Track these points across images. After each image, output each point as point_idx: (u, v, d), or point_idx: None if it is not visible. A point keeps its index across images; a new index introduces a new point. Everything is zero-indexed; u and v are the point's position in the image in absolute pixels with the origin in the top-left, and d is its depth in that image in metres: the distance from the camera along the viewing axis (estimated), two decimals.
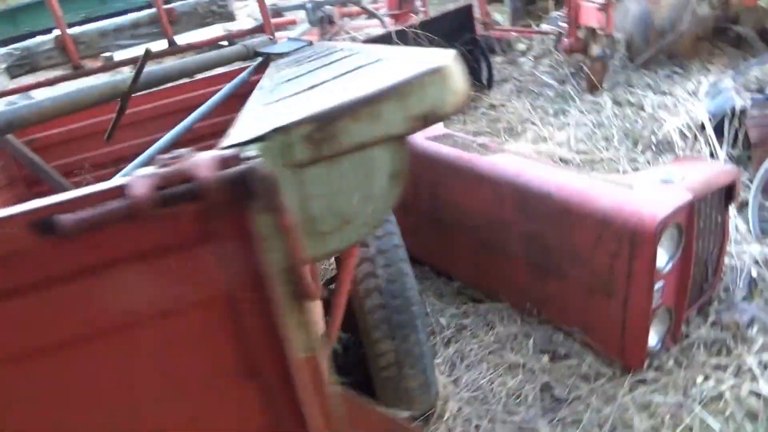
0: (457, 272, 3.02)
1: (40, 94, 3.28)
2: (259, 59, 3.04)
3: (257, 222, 0.61)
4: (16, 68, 3.42)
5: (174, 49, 3.38)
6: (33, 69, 3.45)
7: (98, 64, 3.76)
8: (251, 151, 0.63)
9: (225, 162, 0.59)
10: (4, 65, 3.45)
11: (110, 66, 3.73)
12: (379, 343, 1.91)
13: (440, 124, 3.25)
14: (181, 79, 2.86)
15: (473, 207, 2.73)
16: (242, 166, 0.57)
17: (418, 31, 5.25)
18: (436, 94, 0.67)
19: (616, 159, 4.11)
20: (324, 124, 0.65)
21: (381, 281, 1.90)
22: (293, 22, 7.56)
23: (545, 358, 2.46)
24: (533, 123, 4.92)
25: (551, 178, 2.39)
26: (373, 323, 1.90)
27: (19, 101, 3.72)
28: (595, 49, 5.41)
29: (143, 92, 2.83)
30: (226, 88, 2.36)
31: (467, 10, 5.63)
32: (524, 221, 2.48)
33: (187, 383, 0.70)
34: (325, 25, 6.87)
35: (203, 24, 3.51)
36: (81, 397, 0.70)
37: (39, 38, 3.41)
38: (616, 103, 5.08)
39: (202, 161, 0.58)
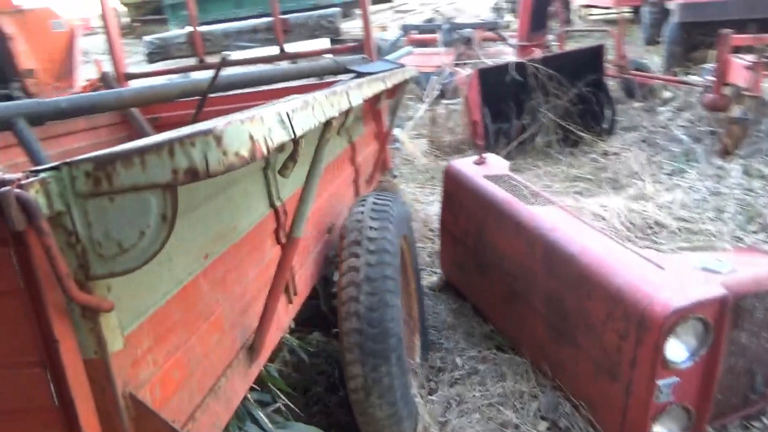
0: (489, 315, 2.97)
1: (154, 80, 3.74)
2: (349, 75, 3.23)
3: (33, 236, 0.74)
4: (154, 55, 3.94)
5: (283, 56, 3.69)
6: (167, 57, 3.96)
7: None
8: (42, 176, 0.76)
9: (3, 182, 0.73)
10: (146, 51, 3.99)
11: (225, 63, 4.12)
12: (350, 365, 1.97)
13: (506, 164, 3.20)
14: (270, 84, 3.11)
15: (509, 253, 2.67)
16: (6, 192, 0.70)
17: (539, 66, 5.14)
18: (202, 154, 0.75)
19: (718, 234, 3.73)
20: (101, 164, 0.77)
21: (362, 307, 1.96)
22: (433, 41, 7.73)
23: (543, 426, 2.34)
24: (641, 178, 4.59)
25: (580, 239, 2.27)
26: (347, 345, 1.96)
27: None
28: (737, 110, 4.91)
29: (233, 92, 3.14)
30: None
31: (597, 50, 5.39)
32: (548, 278, 2.39)
33: None
34: (459, 47, 6.96)
35: (312, 36, 3.78)
36: None
37: (175, 32, 3.90)
38: (746, 173, 4.57)
39: None
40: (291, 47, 3.74)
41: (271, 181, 1.70)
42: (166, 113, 3.65)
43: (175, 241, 1.15)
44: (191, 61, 3.88)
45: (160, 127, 3.52)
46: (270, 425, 1.65)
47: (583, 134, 5.33)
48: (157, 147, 0.74)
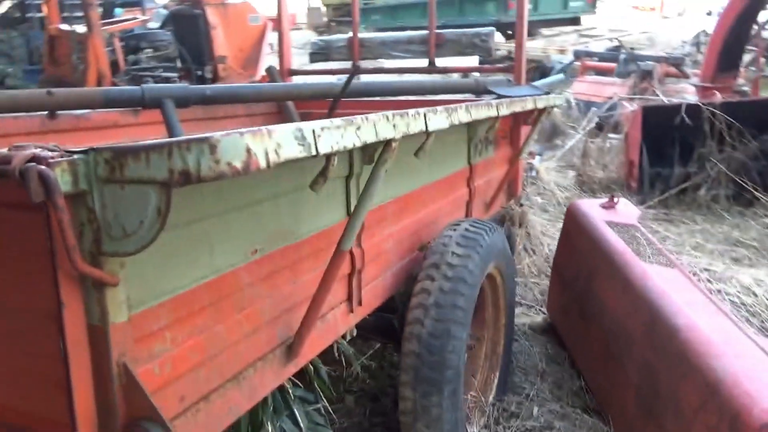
0: (583, 370, 2.74)
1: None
2: (489, 96, 3.18)
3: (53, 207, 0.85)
4: (316, 55, 4.22)
5: (430, 68, 3.74)
6: (327, 59, 4.22)
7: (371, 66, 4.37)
8: (74, 157, 0.87)
9: (36, 159, 0.84)
10: (309, 51, 4.30)
11: (358, 71, 4.27)
12: (403, 386, 1.95)
13: (637, 213, 2.93)
14: (403, 95, 3.17)
15: (612, 309, 2.44)
16: (27, 165, 0.82)
17: (717, 111, 4.60)
18: (195, 160, 0.80)
19: None
20: (116, 155, 0.85)
21: (425, 332, 1.93)
22: (610, 70, 7.27)
23: None
24: None
25: (690, 311, 2.01)
26: (404, 366, 1.95)
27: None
28: None
29: (372, 98, 3.25)
30: None
31: None
32: (647, 347, 2.15)
33: None
34: (636, 79, 6.48)
35: (463, 53, 3.77)
36: None
37: (338, 36, 4.14)
38: None
39: (21, 154, 0.84)
40: (442, 61, 3.78)
41: (352, 191, 1.75)
42: (317, 110, 3.90)
43: (220, 233, 1.24)
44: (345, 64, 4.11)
45: None
46: (305, 422, 1.69)
47: (759, 195, 4.68)
48: (159, 147, 0.81)
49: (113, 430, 0.97)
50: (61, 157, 0.86)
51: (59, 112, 2.28)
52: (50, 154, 0.86)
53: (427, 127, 1.45)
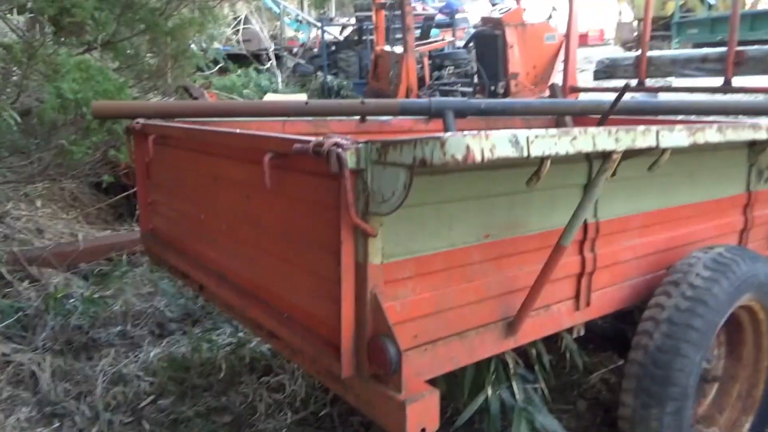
0: None
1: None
2: None
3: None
4: (600, 73, 4.29)
5: (727, 88, 3.50)
6: (610, 76, 4.25)
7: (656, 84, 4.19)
8: (359, 146, 1.30)
9: (337, 144, 1.29)
10: (594, 68, 4.38)
11: (663, 89, 4.12)
12: (625, 392, 2.01)
13: None
14: (677, 114, 3.06)
15: None
16: (331, 148, 1.26)
17: None
18: (430, 151, 1.13)
19: None
20: (384, 146, 1.24)
21: (652, 344, 1.96)
22: None
23: None
24: None
25: None
26: (627, 372, 2.01)
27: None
28: None
29: (645, 116, 3.20)
30: None
31: None
32: None
33: (292, 236, 1.47)
34: None
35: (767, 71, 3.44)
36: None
37: (625, 54, 4.13)
38: None
39: (329, 141, 1.30)
40: (741, 81, 3.50)
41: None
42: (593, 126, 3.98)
43: (459, 215, 1.58)
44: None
45: None
46: (521, 395, 1.92)
47: None
48: (409, 142, 1.18)
49: (363, 337, 1.39)
50: (352, 145, 1.30)
51: (368, 117, 2.93)
52: (346, 143, 1.30)
53: (658, 143, 1.54)
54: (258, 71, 12.61)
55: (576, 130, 1.33)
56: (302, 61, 13.84)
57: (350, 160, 1.28)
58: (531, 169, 1.58)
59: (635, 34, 18.08)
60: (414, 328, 1.54)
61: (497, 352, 1.80)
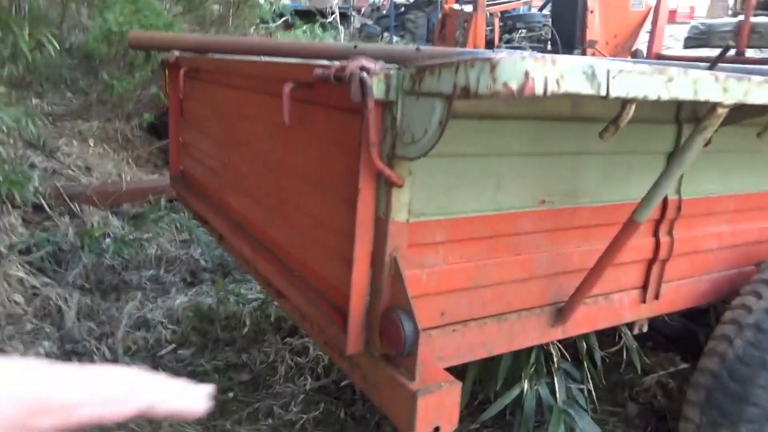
0: None
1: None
2: None
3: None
4: (692, 40, 3.81)
5: None
6: (704, 45, 3.76)
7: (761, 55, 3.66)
8: (390, 71, 1.03)
9: (363, 68, 1.02)
10: (685, 35, 3.89)
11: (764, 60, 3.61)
12: (689, 406, 1.70)
13: None
14: None
15: None
16: (354, 71, 1.00)
17: None
18: (476, 76, 0.85)
19: None
20: (419, 70, 0.96)
21: (731, 352, 1.63)
22: None
23: None
24: None
25: None
26: (695, 383, 1.69)
27: None
28: None
29: None
30: None
31: None
32: None
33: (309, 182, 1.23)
34: None
35: None
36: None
37: (725, 19, 3.62)
38: None
39: (354, 63, 1.03)
40: None
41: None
42: None
43: (511, 173, 1.30)
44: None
45: None
46: (562, 395, 1.65)
47: None
48: (449, 64, 0.90)
49: (377, 308, 1.14)
50: (381, 70, 1.03)
51: None
52: (373, 66, 1.03)
53: None
54: (323, 28, 12.38)
55: (673, 70, 1.01)
56: (369, 22, 13.48)
57: (377, 87, 1.01)
58: (601, 124, 1.29)
59: (729, 12, 16.66)
60: (442, 303, 1.28)
61: (541, 342, 1.52)
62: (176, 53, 2.28)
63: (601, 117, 1.36)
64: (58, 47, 3.20)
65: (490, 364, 1.73)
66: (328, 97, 1.25)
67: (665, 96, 1.01)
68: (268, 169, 1.63)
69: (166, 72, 2.39)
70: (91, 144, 5.14)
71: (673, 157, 1.23)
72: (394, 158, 1.07)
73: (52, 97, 4.94)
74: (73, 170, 4.57)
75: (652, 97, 0.99)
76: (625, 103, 0.99)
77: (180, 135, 2.50)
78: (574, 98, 0.93)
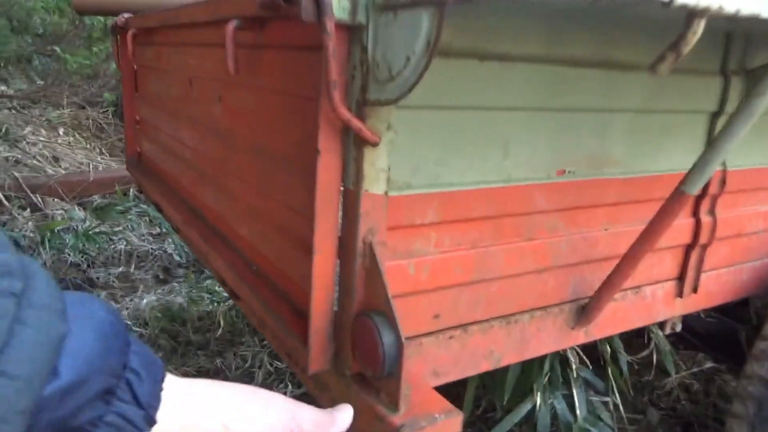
0: None
1: None
2: None
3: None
4: None
5: None
6: None
7: None
8: None
9: None
10: None
11: None
12: (735, 419, 1.41)
13: None
14: None
15: None
16: None
17: None
18: None
19: None
20: None
21: None
22: None
23: None
24: None
25: None
26: (742, 392, 1.41)
27: None
28: None
29: None
30: None
31: None
32: None
33: (263, 150, 0.91)
34: None
35: None
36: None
37: None
38: None
39: None
40: None
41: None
42: None
43: (521, 133, 1.00)
44: None
45: None
46: (583, 409, 1.36)
47: None
48: None
49: (348, 313, 0.84)
50: None
51: None
52: None
53: None
54: None
55: None
56: None
57: (340, 4, 0.71)
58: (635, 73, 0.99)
59: None
60: (435, 303, 0.99)
61: (560, 348, 1.23)
62: (125, 15, 1.98)
63: (636, 62, 1.07)
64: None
65: (494, 372, 1.44)
66: (281, 35, 0.95)
67: (745, 11, 0.71)
68: (218, 140, 1.33)
69: (117, 38, 2.09)
70: (61, 132, 4.82)
71: (743, 105, 0.93)
72: (367, 105, 0.77)
73: (18, 82, 4.62)
74: (39, 160, 4.26)
75: (729, 9, 0.69)
76: (691, 16, 0.69)
77: (135, 112, 2.20)
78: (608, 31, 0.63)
